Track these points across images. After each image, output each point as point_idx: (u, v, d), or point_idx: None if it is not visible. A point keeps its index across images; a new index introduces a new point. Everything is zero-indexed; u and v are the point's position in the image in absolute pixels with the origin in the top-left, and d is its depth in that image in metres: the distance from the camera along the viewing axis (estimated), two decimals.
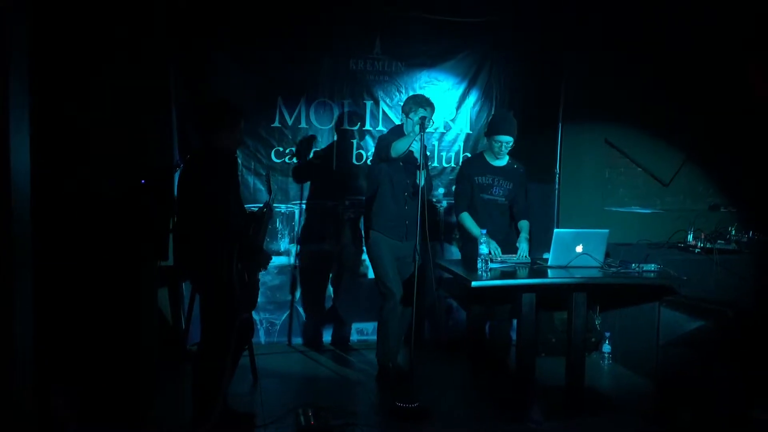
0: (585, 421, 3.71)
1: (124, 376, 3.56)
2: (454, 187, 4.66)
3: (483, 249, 3.69)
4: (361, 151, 4.99)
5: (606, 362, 4.77)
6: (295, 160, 4.87)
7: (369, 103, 4.98)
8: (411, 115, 4.03)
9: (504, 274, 3.76)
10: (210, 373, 3.20)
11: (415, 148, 3.95)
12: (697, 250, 4.54)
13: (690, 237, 4.73)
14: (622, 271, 3.88)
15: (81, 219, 3.65)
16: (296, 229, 4.93)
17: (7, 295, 2.13)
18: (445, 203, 5.16)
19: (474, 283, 3.53)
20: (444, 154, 5.17)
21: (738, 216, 5.39)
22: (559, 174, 5.28)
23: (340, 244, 5.01)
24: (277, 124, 4.82)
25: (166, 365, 4.26)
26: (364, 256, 4.80)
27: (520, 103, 5.14)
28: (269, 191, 3.69)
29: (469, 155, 5.08)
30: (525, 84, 5.20)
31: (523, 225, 4.36)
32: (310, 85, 4.85)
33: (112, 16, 4.23)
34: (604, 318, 4.91)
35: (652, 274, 3.92)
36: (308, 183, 4.92)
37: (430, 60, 5.05)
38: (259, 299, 3.65)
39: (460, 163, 4.96)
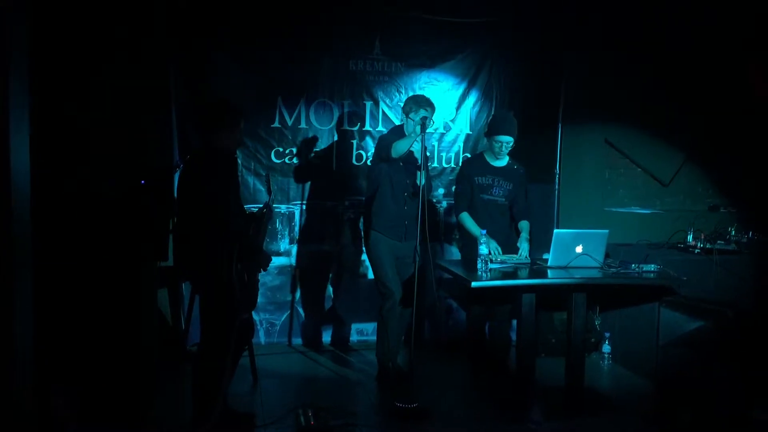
0: (585, 422, 3.71)
1: (124, 376, 3.56)
2: (453, 188, 4.67)
3: (483, 249, 3.69)
4: (360, 151, 4.99)
5: (606, 363, 4.77)
6: (295, 160, 4.87)
7: (369, 104, 4.98)
8: (411, 116, 4.02)
9: (504, 275, 3.77)
10: (210, 373, 3.20)
11: (415, 148, 3.95)
12: (696, 251, 4.54)
13: (690, 237, 4.73)
14: (622, 271, 3.88)
15: (81, 219, 3.65)
16: (296, 229, 4.94)
17: (7, 295, 2.13)
18: (444, 204, 5.16)
19: (474, 284, 3.53)
20: (444, 154, 5.16)
21: (738, 216, 5.38)
22: (559, 174, 5.28)
23: (340, 244, 5.01)
24: (276, 124, 4.83)
25: (166, 365, 4.26)
26: (364, 257, 4.80)
27: (520, 104, 5.14)
28: (269, 192, 3.69)
29: (469, 156, 5.08)
30: (525, 84, 5.20)
31: (524, 225, 4.36)
32: (310, 85, 4.85)
33: (112, 16, 4.23)
34: (604, 318, 4.91)
35: (652, 275, 3.92)
36: (308, 183, 4.92)
37: (430, 60, 5.05)
38: (259, 300, 3.65)
39: (460, 164, 4.96)
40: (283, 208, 4.90)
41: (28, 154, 2.21)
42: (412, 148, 4.00)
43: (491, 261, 3.83)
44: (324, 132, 4.92)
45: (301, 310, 4.99)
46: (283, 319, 4.97)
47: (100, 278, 3.57)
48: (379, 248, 4.17)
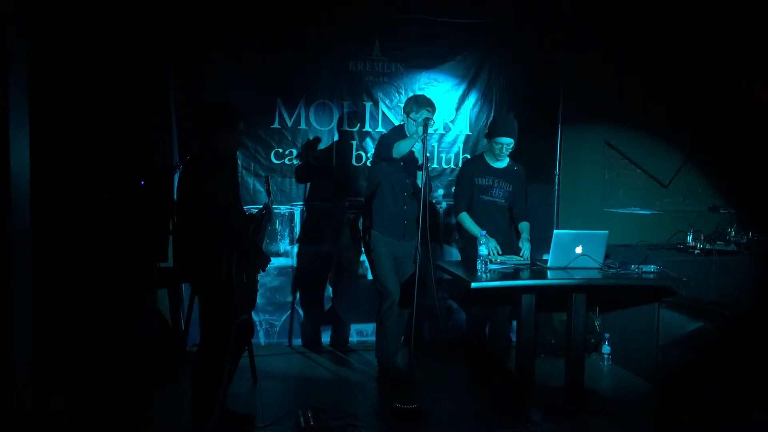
0: (584, 423, 3.71)
1: (124, 377, 3.56)
2: (453, 188, 4.67)
3: (482, 250, 3.69)
4: (360, 152, 4.99)
5: (605, 363, 4.77)
6: (295, 161, 4.87)
7: (368, 105, 4.98)
8: (412, 116, 4.03)
9: (503, 276, 3.77)
10: (210, 374, 3.20)
11: (416, 148, 3.96)
12: (696, 252, 4.54)
13: (689, 238, 4.73)
14: (622, 272, 3.89)
15: (81, 219, 3.65)
16: (296, 230, 4.94)
17: (7, 295, 2.13)
18: (444, 204, 5.15)
19: (473, 285, 3.53)
20: (443, 155, 5.16)
21: (737, 217, 5.38)
22: (559, 175, 5.27)
23: (340, 245, 5.01)
24: (276, 125, 4.83)
25: (166, 365, 4.25)
26: (364, 258, 4.80)
27: (519, 104, 5.14)
28: (268, 193, 3.69)
29: (468, 156, 5.08)
30: (524, 85, 5.20)
31: (524, 226, 4.36)
32: (310, 86, 4.85)
33: (112, 16, 4.23)
34: (604, 319, 4.91)
35: (652, 275, 3.93)
36: (308, 184, 4.92)
37: (430, 61, 5.05)
38: (258, 300, 3.66)
39: (460, 165, 4.96)
40: (283, 208, 4.90)
41: (28, 154, 2.21)
42: (412, 148, 4.01)
43: (491, 261, 3.83)
44: (324, 133, 4.92)
45: (300, 311, 4.99)
46: (282, 319, 4.97)
47: (100, 278, 3.57)
48: (378, 247, 4.17)
